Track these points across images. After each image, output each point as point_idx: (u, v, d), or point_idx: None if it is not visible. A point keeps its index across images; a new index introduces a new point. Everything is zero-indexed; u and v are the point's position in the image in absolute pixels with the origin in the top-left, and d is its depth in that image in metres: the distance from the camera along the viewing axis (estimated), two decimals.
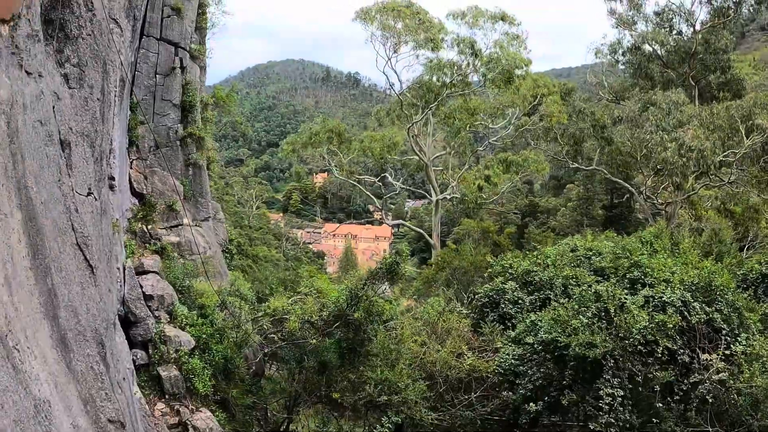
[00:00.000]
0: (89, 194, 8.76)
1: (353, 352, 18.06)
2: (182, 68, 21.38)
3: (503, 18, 53.43)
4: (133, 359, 14.98)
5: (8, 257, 5.89)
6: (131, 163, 19.69)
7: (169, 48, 20.94)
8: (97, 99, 8.83)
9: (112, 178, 13.61)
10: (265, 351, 19.24)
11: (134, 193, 19.54)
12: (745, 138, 42.66)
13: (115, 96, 10.15)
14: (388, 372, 17.42)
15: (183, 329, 16.96)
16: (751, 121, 42.48)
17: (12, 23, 6.13)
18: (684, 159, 41.28)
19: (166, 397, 15.64)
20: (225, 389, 17.14)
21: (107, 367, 8.53)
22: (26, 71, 6.60)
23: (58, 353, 7.02)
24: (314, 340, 17.83)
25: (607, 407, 15.24)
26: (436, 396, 18.35)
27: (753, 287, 19.91)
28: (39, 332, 6.54)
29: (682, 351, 15.91)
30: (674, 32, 60.16)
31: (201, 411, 15.74)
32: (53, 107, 7.52)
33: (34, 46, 6.78)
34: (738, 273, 20.60)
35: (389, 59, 54.59)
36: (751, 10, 64.05)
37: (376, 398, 17.18)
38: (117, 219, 13.54)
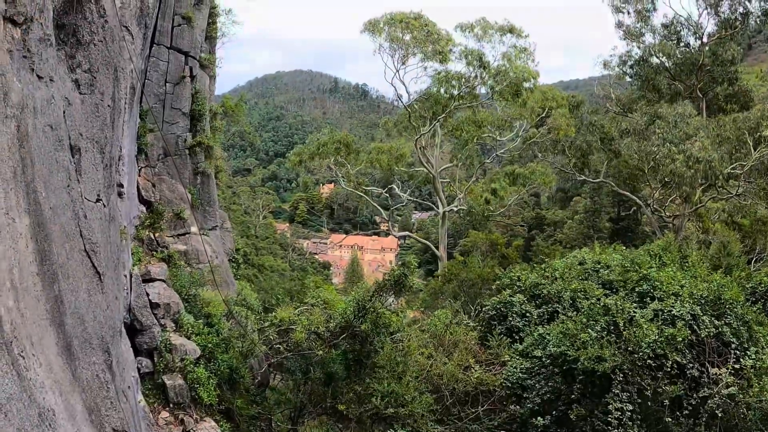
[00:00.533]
0: (98, 201, 8.73)
1: (359, 363, 17.95)
2: (192, 77, 21.47)
3: (511, 30, 53.31)
4: (138, 367, 14.91)
5: (15, 262, 5.83)
6: (140, 170, 19.71)
7: (180, 57, 21.03)
8: (108, 105, 8.82)
9: (121, 185, 13.62)
10: (271, 361, 19.14)
11: (142, 200, 19.54)
12: (752, 150, 42.48)
13: (125, 103, 10.15)
14: (394, 384, 17.29)
15: (189, 338, 16.87)
16: (758, 133, 42.31)
17: (24, 26, 6.10)
18: (692, 171, 41.10)
19: (171, 406, 15.53)
20: (230, 399, 17.02)
21: (113, 376, 8.46)
22: (37, 75, 6.57)
23: (64, 361, 6.95)
24: (320, 351, 17.73)
25: (615, 422, 15.09)
26: (443, 409, 18.20)
27: (762, 300, 19.70)
28: (45, 339, 6.48)
29: (691, 365, 15.76)
30: (682, 44, 59.94)
31: (205, 421, 15.63)
32: (64, 112, 7.50)
33: (46, 50, 6.76)
34: (747, 286, 20.38)
35: (397, 71, 54.56)
36: (758, 22, 63.57)
37: (382, 411, 17.04)
38: (125, 226, 13.52)
